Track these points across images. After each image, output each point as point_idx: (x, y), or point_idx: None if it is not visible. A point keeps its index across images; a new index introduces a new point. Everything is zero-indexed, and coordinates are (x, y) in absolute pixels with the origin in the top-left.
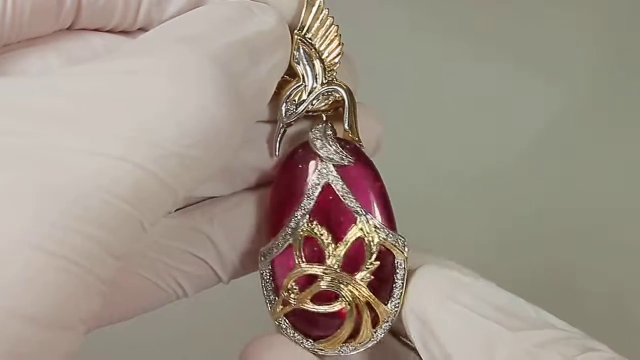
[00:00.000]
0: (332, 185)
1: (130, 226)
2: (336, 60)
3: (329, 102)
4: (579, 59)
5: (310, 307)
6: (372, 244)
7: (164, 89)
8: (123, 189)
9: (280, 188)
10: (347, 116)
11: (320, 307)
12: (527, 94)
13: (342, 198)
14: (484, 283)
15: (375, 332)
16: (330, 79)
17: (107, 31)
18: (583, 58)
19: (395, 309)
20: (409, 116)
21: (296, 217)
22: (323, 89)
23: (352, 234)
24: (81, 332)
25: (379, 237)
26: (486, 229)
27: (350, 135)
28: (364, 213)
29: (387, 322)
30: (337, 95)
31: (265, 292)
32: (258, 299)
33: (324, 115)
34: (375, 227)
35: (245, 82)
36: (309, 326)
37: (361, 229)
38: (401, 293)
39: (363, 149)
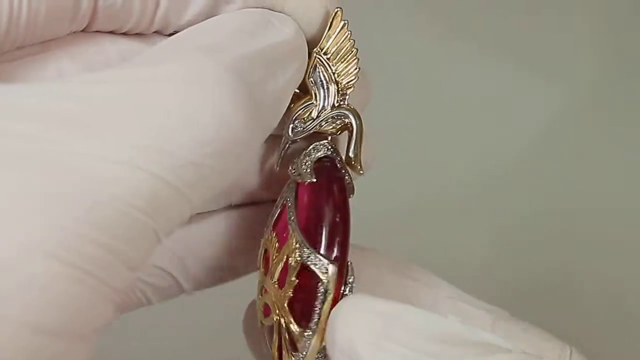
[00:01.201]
0: (288, 200)
1: (146, 236)
2: (351, 84)
3: (337, 126)
4: (579, 59)
5: (262, 320)
6: (292, 260)
7: (182, 97)
8: (139, 198)
9: None
10: (353, 143)
11: (265, 321)
12: (527, 94)
13: (287, 210)
14: (411, 310)
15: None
16: (341, 102)
17: (123, 34)
18: (583, 58)
19: (308, 337)
20: (408, 116)
21: (267, 226)
22: (333, 112)
23: (286, 248)
24: (93, 343)
25: (300, 254)
26: (486, 229)
27: (353, 162)
28: (297, 229)
29: (307, 349)
30: (346, 120)
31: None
32: None
33: (329, 137)
34: (299, 244)
35: (262, 92)
36: (268, 341)
37: (290, 244)
38: (318, 321)
39: (361, 174)
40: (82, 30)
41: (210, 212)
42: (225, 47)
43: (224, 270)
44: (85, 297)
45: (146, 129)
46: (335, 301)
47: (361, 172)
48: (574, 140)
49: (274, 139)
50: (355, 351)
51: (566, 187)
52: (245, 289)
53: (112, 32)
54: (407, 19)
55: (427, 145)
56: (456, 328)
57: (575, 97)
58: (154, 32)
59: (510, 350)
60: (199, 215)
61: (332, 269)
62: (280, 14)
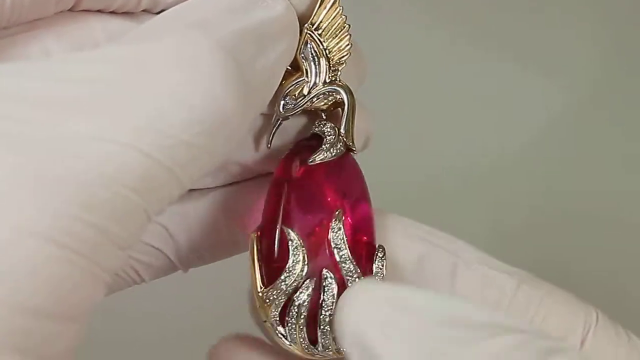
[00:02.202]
0: None
1: (136, 215)
2: (343, 60)
3: (329, 102)
4: (579, 57)
5: None
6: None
7: (172, 76)
8: (129, 177)
9: None
10: (344, 120)
11: None
12: (527, 91)
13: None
14: (419, 292)
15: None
16: (333, 78)
17: (111, 12)
18: (583, 56)
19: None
20: (409, 113)
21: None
22: (325, 88)
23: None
24: (85, 323)
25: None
26: (486, 227)
27: (344, 138)
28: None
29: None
30: (338, 96)
31: None
32: None
33: (323, 114)
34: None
35: (253, 69)
36: None
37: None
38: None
39: (354, 152)
40: (69, 10)
41: (207, 189)
42: (215, 23)
43: (220, 247)
44: (75, 278)
45: (136, 109)
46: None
47: (354, 149)
48: (574, 137)
49: (269, 115)
50: (364, 341)
51: (566, 184)
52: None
53: (99, 11)
54: (407, 17)
55: (428, 142)
56: (465, 309)
57: (575, 94)
58: (142, 10)
59: (523, 330)
60: (196, 192)
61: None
62: None
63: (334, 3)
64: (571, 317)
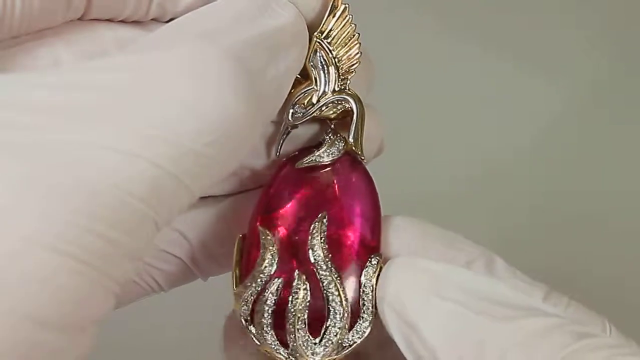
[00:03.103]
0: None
1: (145, 226)
2: (352, 68)
3: (338, 111)
4: (580, 58)
5: None
6: None
7: (182, 85)
8: (138, 187)
9: None
10: (353, 128)
11: None
12: (527, 92)
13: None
14: (461, 270)
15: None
16: (342, 87)
17: (120, 21)
18: (584, 57)
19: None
20: (409, 114)
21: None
22: (334, 97)
23: None
24: (93, 335)
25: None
26: (487, 228)
27: (353, 147)
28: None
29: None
30: (347, 105)
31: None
32: None
33: (331, 123)
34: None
35: (263, 78)
36: None
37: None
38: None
39: (363, 161)
40: (78, 19)
41: (223, 197)
42: (226, 32)
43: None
44: (85, 289)
45: (146, 118)
46: None
47: (362, 158)
48: (575, 137)
49: (278, 124)
50: (403, 305)
51: (567, 184)
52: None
53: (109, 20)
54: (408, 19)
55: (428, 143)
56: (506, 291)
57: (576, 94)
58: (151, 19)
59: (559, 315)
60: (210, 199)
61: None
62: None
63: (343, 11)
64: (592, 323)
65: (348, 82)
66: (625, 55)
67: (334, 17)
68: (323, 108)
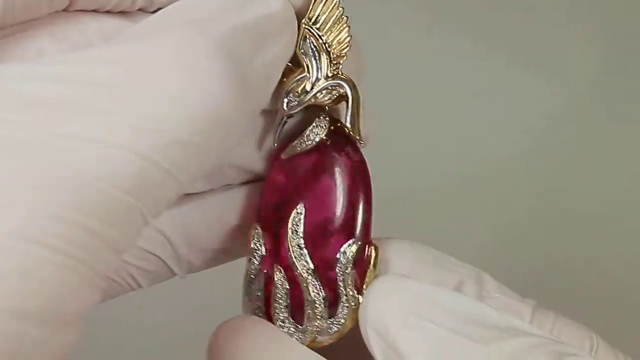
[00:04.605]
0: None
1: (132, 218)
2: (343, 53)
3: (333, 97)
4: (578, 56)
5: None
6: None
7: (167, 75)
8: (125, 179)
9: None
10: (349, 113)
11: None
12: (525, 91)
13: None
14: (445, 291)
15: None
16: (335, 72)
17: (106, 12)
18: (581, 56)
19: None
20: (407, 114)
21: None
22: (327, 83)
23: None
24: (78, 328)
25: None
26: (485, 228)
27: (351, 132)
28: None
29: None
30: (341, 90)
31: None
32: None
33: (326, 107)
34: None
35: (251, 67)
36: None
37: None
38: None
39: (362, 145)
40: (63, 10)
41: (205, 193)
42: (212, 21)
43: (220, 252)
44: (70, 282)
45: (130, 109)
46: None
47: (361, 142)
48: (572, 137)
49: (271, 115)
50: (386, 327)
51: (564, 184)
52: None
53: (94, 11)
54: (406, 17)
55: (426, 143)
56: (487, 312)
57: (573, 93)
58: (137, 9)
59: (541, 335)
60: (194, 196)
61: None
62: None
63: None
64: (578, 339)
65: (340, 66)
66: (623, 55)
67: (321, 1)
68: (317, 95)
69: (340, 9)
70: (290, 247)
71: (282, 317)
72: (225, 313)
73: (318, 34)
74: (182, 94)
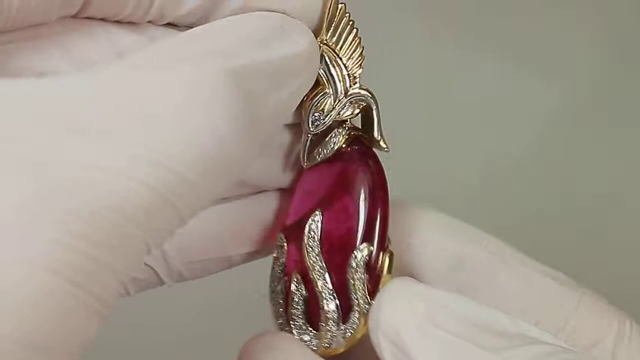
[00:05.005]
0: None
1: (137, 248)
2: (359, 64)
3: (355, 110)
4: (579, 59)
5: None
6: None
7: (178, 108)
8: (135, 210)
9: None
10: (376, 124)
11: None
12: (526, 94)
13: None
14: (457, 297)
15: None
16: (354, 85)
17: (115, 21)
18: (583, 58)
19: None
20: (406, 115)
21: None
22: (350, 97)
23: None
24: (78, 357)
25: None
26: (484, 228)
27: (380, 143)
28: None
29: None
30: (364, 103)
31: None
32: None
33: (350, 122)
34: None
35: (265, 104)
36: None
37: None
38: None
39: (386, 152)
40: (72, 16)
41: None
42: (234, 55)
43: (211, 263)
44: (76, 312)
45: (146, 139)
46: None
47: (387, 149)
48: (574, 139)
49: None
50: (398, 334)
51: (565, 186)
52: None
53: (102, 19)
54: (405, 19)
55: (426, 144)
56: (498, 318)
57: (575, 96)
58: (147, 21)
59: (550, 342)
60: None
61: None
62: (297, 21)
63: (341, 10)
64: (604, 323)
65: (358, 78)
66: (624, 56)
67: (333, 18)
68: (341, 110)
69: (352, 21)
70: (307, 255)
71: (299, 324)
72: (226, 314)
73: (333, 51)
74: (189, 128)
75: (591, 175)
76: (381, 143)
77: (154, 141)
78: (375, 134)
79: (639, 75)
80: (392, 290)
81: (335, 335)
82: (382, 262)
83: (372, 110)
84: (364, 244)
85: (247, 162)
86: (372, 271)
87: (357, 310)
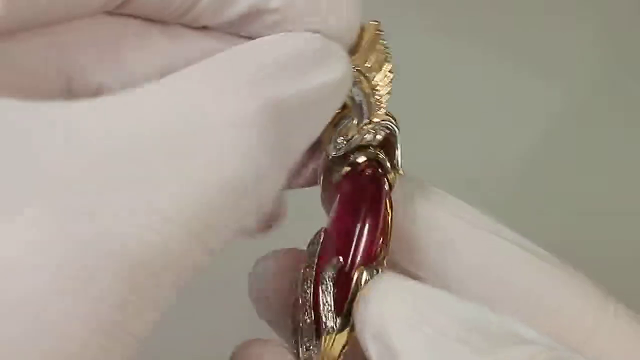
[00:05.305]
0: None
1: (166, 297)
2: (388, 90)
3: (379, 136)
4: (579, 59)
5: None
6: None
7: (219, 142)
8: (167, 263)
9: None
10: (399, 150)
11: None
12: (526, 94)
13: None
14: (444, 293)
15: None
16: (379, 110)
17: (145, 19)
18: (583, 58)
19: None
20: (406, 116)
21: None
22: (375, 124)
23: None
24: None
25: None
26: None
27: (398, 167)
28: None
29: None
30: (387, 130)
31: None
32: None
33: (372, 148)
34: None
35: (299, 133)
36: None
37: None
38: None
39: (399, 175)
40: (107, 12)
41: None
42: (272, 83)
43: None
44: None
45: (184, 186)
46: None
47: (401, 173)
48: (574, 140)
49: None
50: (385, 330)
51: (566, 187)
52: None
53: (131, 15)
54: (405, 19)
55: (426, 144)
56: (489, 317)
57: (575, 97)
58: (178, 23)
59: (539, 342)
60: None
61: None
62: (336, 46)
63: (377, 37)
64: (586, 305)
65: (384, 104)
66: (624, 56)
67: (369, 44)
68: (365, 135)
69: (387, 49)
70: (303, 271)
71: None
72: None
73: (366, 77)
74: (235, 182)
75: (591, 176)
76: (399, 168)
77: (195, 187)
78: (399, 158)
79: (639, 75)
80: (380, 286)
81: (312, 351)
82: (358, 279)
83: (395, 137)
84: (335, 259)
85: (277, 190)
86: (342, 287)
87: (327, 327)
